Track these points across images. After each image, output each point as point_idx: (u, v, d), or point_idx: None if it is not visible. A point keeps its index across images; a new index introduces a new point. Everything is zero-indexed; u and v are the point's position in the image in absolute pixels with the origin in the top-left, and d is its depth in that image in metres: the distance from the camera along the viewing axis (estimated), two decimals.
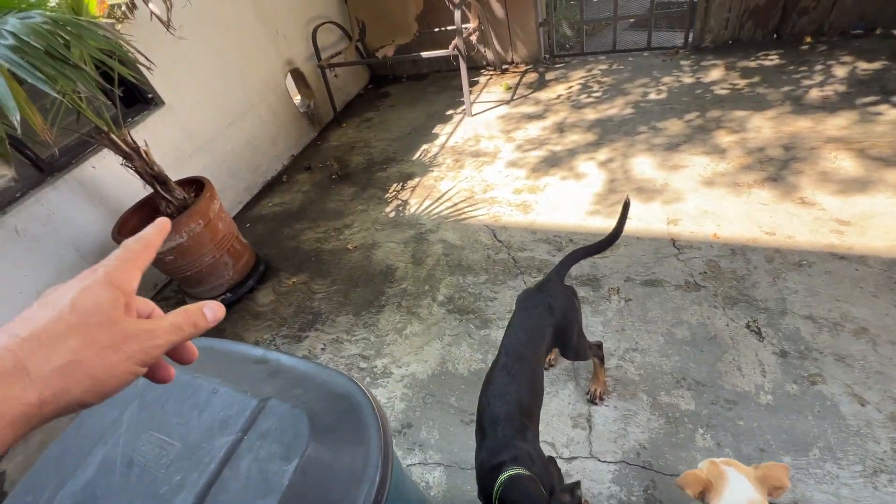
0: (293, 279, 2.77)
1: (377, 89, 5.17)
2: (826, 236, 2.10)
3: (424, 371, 2.02)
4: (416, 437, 1.79)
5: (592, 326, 1.99)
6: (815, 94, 3.07)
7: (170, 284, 3.03)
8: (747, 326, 1.84)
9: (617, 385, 1.76)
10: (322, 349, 2.27)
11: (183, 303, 2.81)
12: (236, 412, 0.69)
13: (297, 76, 4.32)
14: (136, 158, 2.24)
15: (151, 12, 2.33)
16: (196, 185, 2.61)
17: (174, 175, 2.58)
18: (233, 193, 3.58)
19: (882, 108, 2.77)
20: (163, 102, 3.01)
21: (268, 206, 3.61)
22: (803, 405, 1.56)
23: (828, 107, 2.91)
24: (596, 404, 1.71)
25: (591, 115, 3.57)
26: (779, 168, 2.57)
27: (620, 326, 1.97)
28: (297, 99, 4.47)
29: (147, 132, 2.82)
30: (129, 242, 0.40)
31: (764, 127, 2.91)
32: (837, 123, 2.75)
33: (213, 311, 0.41)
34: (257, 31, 3.76)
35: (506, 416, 1.12)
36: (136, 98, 2.93)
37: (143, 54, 1.88)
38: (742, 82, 3.41)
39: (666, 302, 2.02)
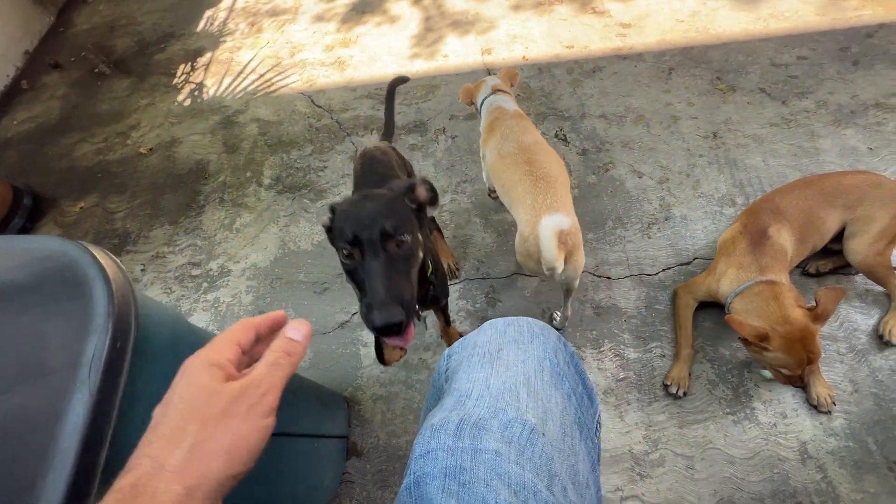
0: (79, 204, 2.24)
1: None
2: (613, 41, 2.27)
3: (265, 258, 1.88)
4: None
5: (425, 169, 1.99)
6: None
7: None
8: (556, 136, 2.00)
9: (453, 216, 1.85)
10: (142, 270, 1.96)
11: None
12: None
13: None
14: None
15: None
16: None
17: None
18: None
19: None
20: None
21: (13, 126, 2.73)
22: (600, 190, 1.82)
23: None
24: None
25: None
26: None
27: (450, 163, 2.00)
28: None
29: None
30: (234, 324, 0.44)
31: None
32: None
33: (297, 329, 0.45)
34: None
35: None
36: None
37: None
38: None
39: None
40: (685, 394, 1.36)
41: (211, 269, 1.90)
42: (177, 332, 0.72)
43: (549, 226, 1.08)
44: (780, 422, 1.30)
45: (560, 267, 1.13)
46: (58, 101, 2.79)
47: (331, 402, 1.41)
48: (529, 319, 0.66)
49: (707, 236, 1.64)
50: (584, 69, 2.20)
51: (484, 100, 1.60)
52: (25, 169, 2.48)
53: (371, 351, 1.58)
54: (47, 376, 0.51)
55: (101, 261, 0.59)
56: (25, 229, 2.18)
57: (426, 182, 0.89)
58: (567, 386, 0.59)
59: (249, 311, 1.76)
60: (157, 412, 0.37)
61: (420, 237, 0.83)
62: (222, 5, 3.10)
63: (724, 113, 1.92)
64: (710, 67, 2.07)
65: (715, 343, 1.45)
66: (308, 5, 2.91)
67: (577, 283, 1.30)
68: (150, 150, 2.38)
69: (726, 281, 1.33)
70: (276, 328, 0.47)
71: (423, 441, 0.49)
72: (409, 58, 2.46)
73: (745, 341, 1.21)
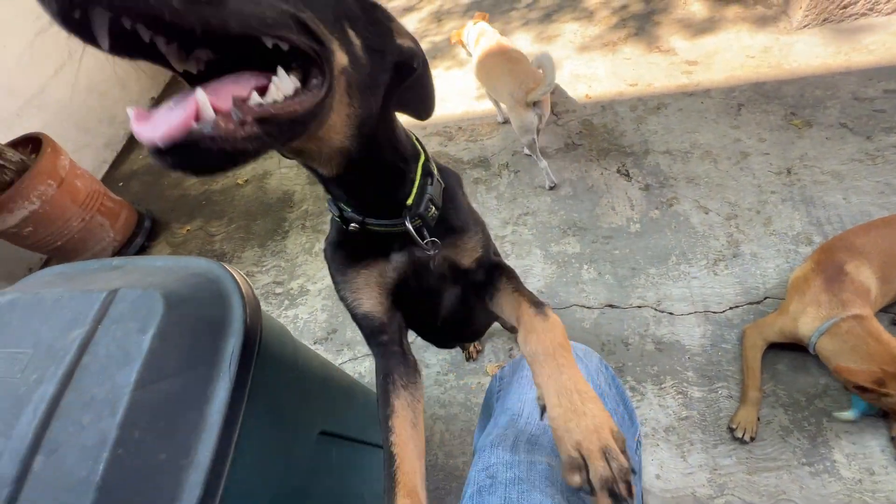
0: (186, 228, 2.60)
1: None
2: (678, 78, 2.29)
3: None
4: (342, 339, 1.88)
5: (488, 202, 2.11)
6: None
7: (48, 264, 2.72)
8: (618, 171, 2.04)
9: (514, 247, 1.93)
10: None
11: None
12: (85, 308, 0.68)
13: None
14: None
15: None
16: (34, 144, 2.26)
17: (4, 139, 2.20)
18: (91, 152, 3.14)
19: None
20: None
21: (139, 160, 3.23)
22: (663, 225, 1.82)
23: None
24: None
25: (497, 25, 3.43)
26: (641, 22, 2.68)
27: (512, 196, 2.10)
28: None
29: None
30: None
31: None
32: None
33: None
34: None
35: None
36: None
37: None
38: None
39: (550, 165, 2.15)
40: (752, 439, 1.30)
41: (292, 289, 2.12)
42: (283, 340, 0.86)
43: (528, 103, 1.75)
44: (866, 478, 1.21)
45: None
46: None
47: None
48: (573, 343, 0.72)
49: (780, 275, 1.58)
50: (648, 106, 2.23)
51: (469, 29, 2.22)
52: (146, 196, 2.92)
53: (433, 371, 1.68)
54: (198, 366, 0.66)
55: (237, 278, 0.75)
56: (144, 247, 2.55)
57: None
58: (608, 406, 0.64)
59: (323, 328, 1.94)
60: None
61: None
62: None
63: (798, 149, 1.86)
64: (784, 103, 2.02)
65: (789, 387, 1.38)
66: None
67: (545, 120, 1.87)
68: (246, 181, 2.71)
69: (806, 320, 1.28)
70: None
71: (483, 456, 0.56)
72: (475, 98, 2.63)
73: (860, 388, 1.15)
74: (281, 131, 0.36)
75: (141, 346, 0.62)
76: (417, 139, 0.66)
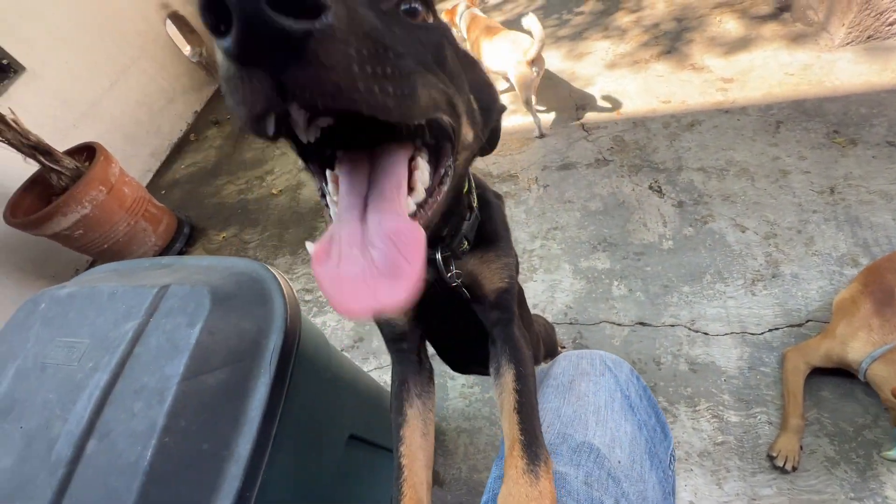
0: (223, 234, 2.69)
1: None
2: (713, 95, 2.26)
3: None
4: (368, 348, 1.90)
5: (517, 216, 2.11)
6: None
7: (93, 265, 2.86)
8: (650, 187, 2.01)
9: (542, 261, 1.92)
10: None
11: None
12: (138, 302, 0.71)
13: (180, 21, 3.89)
14: (4, 129, 2.02)
15: None
16: (88, 153, 2.41)
17: (61, 147, 2.36)
18: (138, 161, 3.32)
19: None
20: (23, 68, 2.66)
21: (181, 169, 3.39)
22: (697, 242, 1.78)
23: None
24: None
25: (498, 17, 3.49)
26: (672, 40, 2.67)
27: (541, 211, 2.10)
28: (187, 49, 4.06)
29: (13, 104, 2.51)
30: None
31: (657, 2, 2.98)
32: None
33: None
34: None
35: None
36: None
37: None
38: None
39: (580, 181, 2.15)
40: (794, 468, 1.24)
41: (320, 296, 2.16)
42: (318, 342, 0.88)
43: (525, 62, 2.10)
44: None
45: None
46: (214, 151, 3.42)
47: None
48: (602, 353, 0.70)
49: (823, 297, 1.52)
50: (682, 123, 2.21)
51: (462, 13, 2.57)
52: (186, 203, 3.05)
53: (458, 383, 1.67)
54: (241, 361, 0.68)
55: (279, 280, 0.78)
56: (182, 252, 2.66)
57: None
58: (638, 417, 0.62)
59: (350, 336, 1.96)
60: None
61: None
62: None
63: (842, 167, 1.80)
64: (826, 121, 1.96)
65: (835, 416, 1.31)
66: None
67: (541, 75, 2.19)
68: (280, 191, 2.81)
69: (856, 345, 1.22)
70: None
71: (499, 465, 0.55)
72: (507, 113, 2.65)
73: None
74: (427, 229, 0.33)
75: (189, 340, 0.65)
76: None
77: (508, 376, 0.57)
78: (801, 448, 1.26)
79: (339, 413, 0.93)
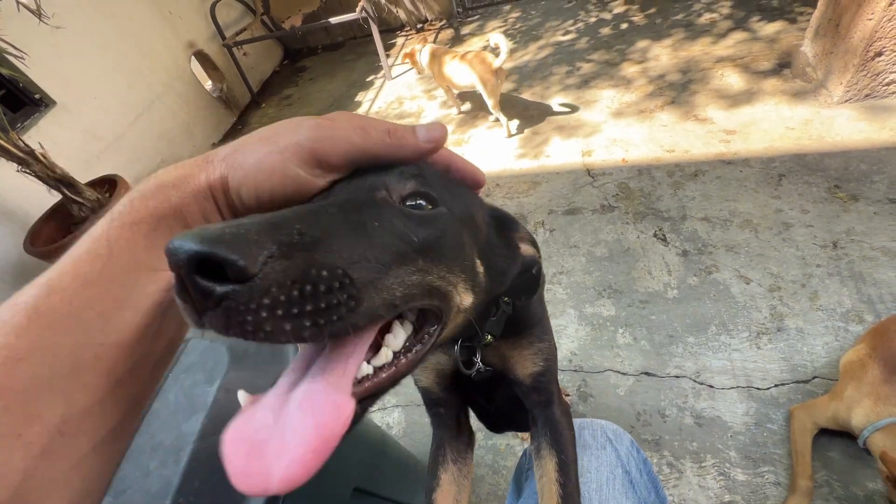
0: None
1: (293, 64, 4.98)
2: (716, 146, 2.33)
3: None
4: None
5: None
6: (704, 18, 3.29)
7: None
8: (654, 235, 2.04)
9: (548, 306, 1.93)
10: None
11: None
12: None
13: (204, 59, 4.09)
14: (32, 163, 2.11)
15: (17, 1, 2.14)
16: (109, 185, 2.49)
17: (84, 178, 2.45)
18: None
19: (759, 24, 3.02)
20: (53, 102, 2.80)
21: None
22: (702, 293, 1.79)
23: (715, 29, 3.14)
24: None
25: (507, 63, 3.64)
26: (677, 91, 2.77)
27: (547, 255, 2.13)
28: (209, 84, 4.25)
29: (42, 136, 2.63)
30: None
31: (662, 55, 3.10)
32: (725, 44, 2.98)
33: (427, 129, 0.37)
34: (146, 14, 3.51)
35: None
36: (22, 101, 2.70)
37: (8, 43, 1.75)
38: (640, 15, 3.59)
39: (585, 226, 2.19)
40: None
41: None
42: None
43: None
44: None
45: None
46: None
47: (419, 474, 1.49)
48: (603, 423, 0.71)
49: (829, 354, 1.52)
50: (686, 172, 2.26)
51: (421, 51, 2.91)
52: None
53: None
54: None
55: None
56: None
57: (532, 239, 0.53)
58: (638, 495, 0.63)
59: None
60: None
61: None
62: (360, 110, 3.76)
63: (844, 223, 1.83)
64: (827, 175, 2.01)
65: (844, 478, 1.29)
66: (429, 111, 3.42)
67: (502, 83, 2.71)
68: None
69: (860, 412, 1.21)
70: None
71: None
72: (515, 157, 2.73)
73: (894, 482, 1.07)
74: (376, 397, 0.31)
75: (206, 398, 0.68)
76: None
77: (550, 465, 0.56)
78: None
79: (344, 465, 0.94)
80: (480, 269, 0.42)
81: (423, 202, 0.36)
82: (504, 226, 0.50)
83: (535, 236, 2.23)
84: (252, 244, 0.24)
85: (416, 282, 0.33)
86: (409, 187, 0.36)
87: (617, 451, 0.66)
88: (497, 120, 2.89)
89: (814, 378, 1.48)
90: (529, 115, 3.02)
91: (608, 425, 0.70)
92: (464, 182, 0.43)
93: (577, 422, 0.71)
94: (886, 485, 1.10)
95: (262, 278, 0.23)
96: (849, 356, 1.35)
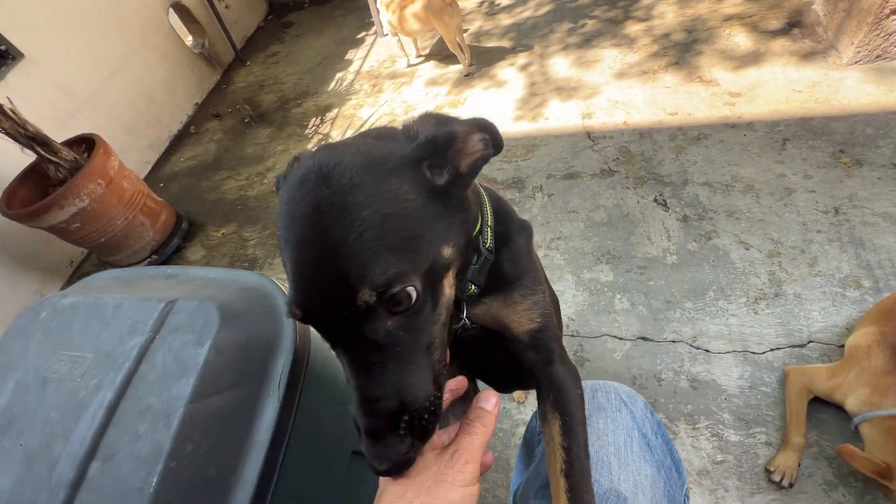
0: (221, 231, 2.67)
1: (278, 19, 4.72)
2: (720, 109, 2.26)
3: None
4: None
5: None
6: None
7: (88, 258, 2.82)
8: (655, 200, 2.00)
9: (546, 271, 1.90)
10: None
11: None
12: (144, 317, 0.70)
13: (182, 11, 3.84)
14: (2, 119, 1.98)
15: None
16: (87, 145, 2.37)
17: (58, 138, 2.32)
18: (136, 153, 3.28)
19: None
20: (21, 55, 2.61)
21: (180, 162, 3.35)
22: (701, 258, 1.77)
23: None
24: None
25: (506, 20, 3.48)
26: (682, 51, 2.67)
27: (545, 220, 2.09)
28: (189, 39, 4.01)
29: (11, 91, 2.46)
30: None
31: (668, 12, 2.97)
32: (733, 0, 2.85)
33: (487, 400, 0.48)
34: None
35: None
36: None
37: None
38: None
39: (584, 191, 2.14)
40: (791, 485, 1.24)
41: None
42: (326, 356, 0.86)
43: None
44: None
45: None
46: (214, 144, 3.38)
47: None
48: (616, 385, 0.68)
49: (825, 319, 1.52)
50: (689, 136, 2.20)
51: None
52: (184, 198, 3.01)
53: None
54: (249, 383, 0.67)
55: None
56: (180, 248, 2.63)
57: (480, 124, 0.47)
58: (655, 458, 0.61)
59: None
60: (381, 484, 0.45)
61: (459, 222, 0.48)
62: (351, 68, 3.59)
63: (847, 188, 1.80)
64: (832, 140, 1.96)
65: (834, 439, 1.31)
66: (424, 70, 3.27)
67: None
68: None
69: (855, 399, 1.20)
70: (458, 392, 0.53)
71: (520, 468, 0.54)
72: (512, 119, 2.64)
73: (866, 476, 1.08)
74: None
75: (197, 359, 0.63)
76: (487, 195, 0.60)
77: (555, 428, 0.53)
78: (799, 466, 1.27)
79: (343, 429, 0.92)
80: (450, 250, 0.46)
81: (398, 292, 0.40)
82: (441, 153, 0.46)
83: (532, 201, 2.15)
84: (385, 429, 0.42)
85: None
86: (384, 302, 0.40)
87: (632, 413, 0.63)
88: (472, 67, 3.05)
89: (809, 343, 1.49)
90: (528, 74, 2.90)
91: (621, 387, 0.67)
92: None
93: (588, 384, 0.68)
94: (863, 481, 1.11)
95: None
96: (855, 339, 1.31)
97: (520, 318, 0.57)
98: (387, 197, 0.41)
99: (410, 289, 0.40)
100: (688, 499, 0.65)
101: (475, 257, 0.54)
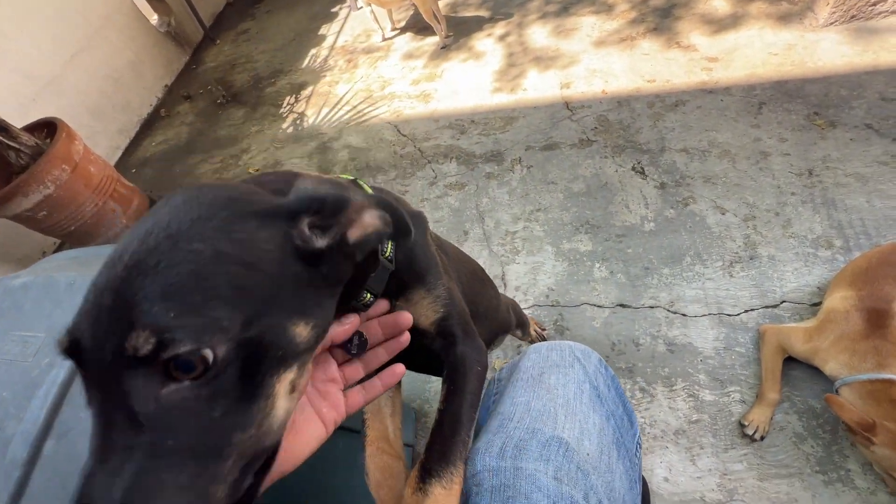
0: None
1: None
2: (698, 75, 2.25)
3: None
4: None
5: (499, 197, 2.08)
6: None
7: (60, 248, 2.75)
8: (633, 168, 2.00)
9: (525, 243, 1.91)
10: None
11: None
12: None
13: None
14: None
15: None
16: (49, 129, 2.27)
17: (20, 123, 2.22)
18: (105, 139, 3.17)
19: None
20: None
21: (151, 147, 3.25)
22: (678, 225, 1.79)
23: None
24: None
25: None
26: (661, 17, 2.63)
27: (524, 192, 2.08)
28: (154, 18, 3.84)
29: None
30: None
31: None
32: None
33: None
34: None
35: None
36: None
37: None
38: None
39: (563, 161, 2.13)
40: (762, 438, 1.28)
41: None
42: None
43: None
44: (881, 488, 1.18)
45: None
46: (186, 127, 3.28)
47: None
48: (571, 343, 0.69)
49: (798, 279, 1.55)
50: (666, 103, 2.19)
51: None
52: (158, 183, 2.93)
53: None
54: None
55: None
56: None
57: (381, 202, 0.43)
58: (606, 408, 0.63)
59: None
60: None
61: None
62: (325, 44, 3.49)
63: (821, 150, 1.82)
64: (807, 102, 1.97)
65: (804, 394, 1.35)
66: (399, 44, 3.19)
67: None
68: (257, 170, 2.72)
69: (834, 365, 1.22)
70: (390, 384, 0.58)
71: (471, 463, 0.54)
72: (490, 91, 2.60)
73: (849, 428, 1.11)
74: None
75: None
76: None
77: (441, 396, 0.55)
78: (771, 420, 1.31)
79: None
80: (302, 326, 0.36)
81: (186, 362, 0.30)
82: (329, 214, 0.39)
83: (511, 174, 2.14)
84: None
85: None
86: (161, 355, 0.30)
87: (585, 368, 0.64)
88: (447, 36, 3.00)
89: (782, 303, 1.52)
90: (506, 45, 2.84)
91: (576, 346, 0.68)
92: None
93: (545, 344, 0.69)
94: (846, 431, 1.14)
95: None
96: (833, 303, 1.32)
97: (426, 311, 0.58)
98: (235, 237, 0.33)
99: (207, 351, 0.29)
100: (640, 446, 0.66)
101: (371, 265, 0.51)
